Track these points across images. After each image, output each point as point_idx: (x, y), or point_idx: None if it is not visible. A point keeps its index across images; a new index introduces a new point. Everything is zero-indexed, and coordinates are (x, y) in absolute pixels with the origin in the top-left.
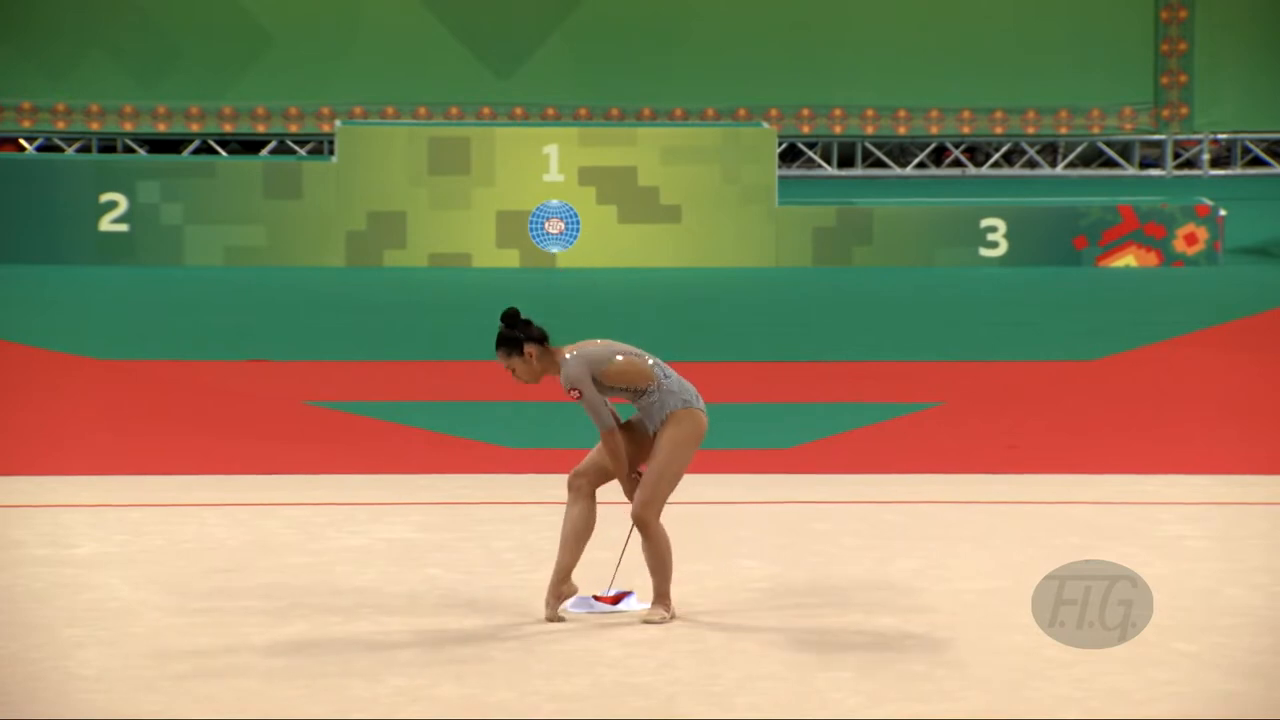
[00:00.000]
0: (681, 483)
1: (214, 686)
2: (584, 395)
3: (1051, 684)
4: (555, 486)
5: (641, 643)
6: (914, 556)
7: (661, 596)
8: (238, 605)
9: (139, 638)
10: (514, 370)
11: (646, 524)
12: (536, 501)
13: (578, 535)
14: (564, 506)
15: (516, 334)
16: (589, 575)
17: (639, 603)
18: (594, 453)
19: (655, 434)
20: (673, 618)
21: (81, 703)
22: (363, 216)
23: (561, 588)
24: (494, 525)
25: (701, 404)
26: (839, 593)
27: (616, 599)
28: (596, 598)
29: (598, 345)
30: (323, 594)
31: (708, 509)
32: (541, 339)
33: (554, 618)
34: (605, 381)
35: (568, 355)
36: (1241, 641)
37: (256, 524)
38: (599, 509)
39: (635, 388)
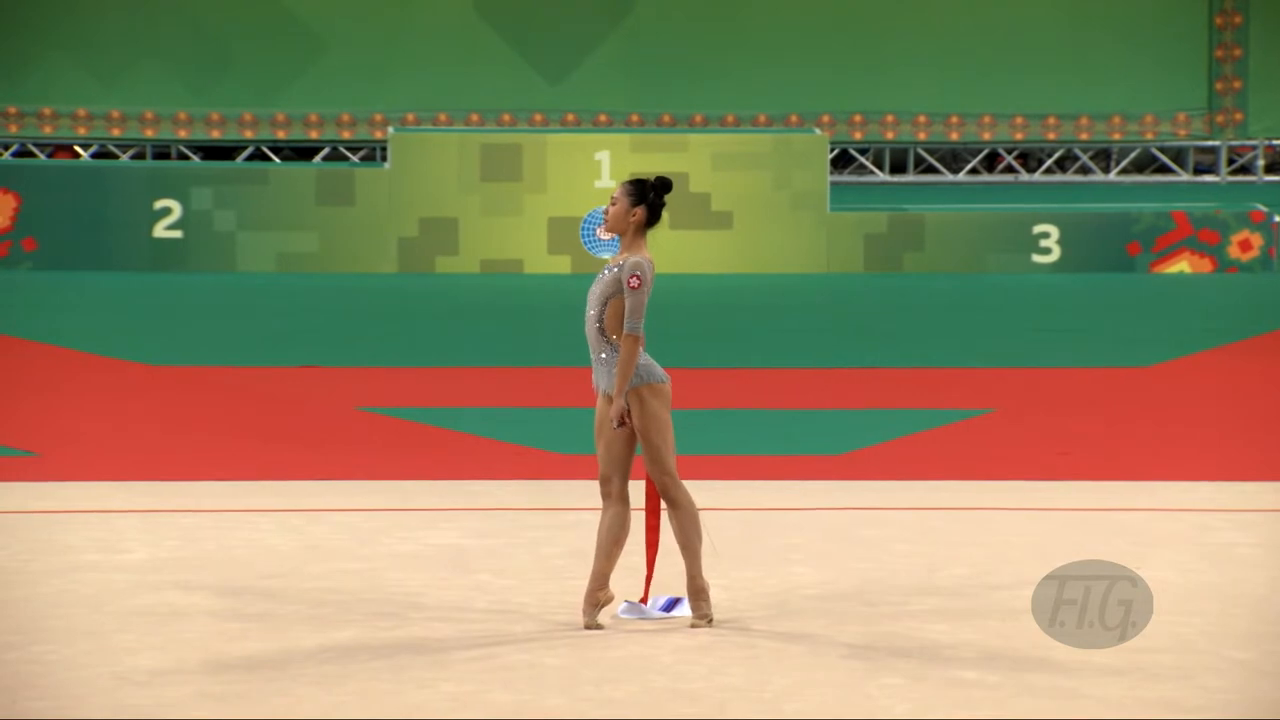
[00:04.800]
0: (732, 489)
1: (265, 691)
2: (642, 286)
3: (1104, 691)
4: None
5: (692, 649)
6: (965, 563)
7: (694, 581)
8: (289, 610)
9: (190, 643)
10: (611, 205)
11: (670, 494)
12: (587, 508)
13: (615, 540)
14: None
15: (647, 194)
16: (636, 582)
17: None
18: (602, 450)
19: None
20: (711, 618)
21: (133, 708)
22: (415, 223)
23: (598, 594)
24: (544, 531)
25: (667, 379)
26: (890, 599)
27: (669, 605)
28: (644, 603)
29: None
30: (373, 600)
31: (760, 515)
32: (650, 221)
33: (592, 624)
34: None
35: (648, 255)
36: None
37: (308, 530)
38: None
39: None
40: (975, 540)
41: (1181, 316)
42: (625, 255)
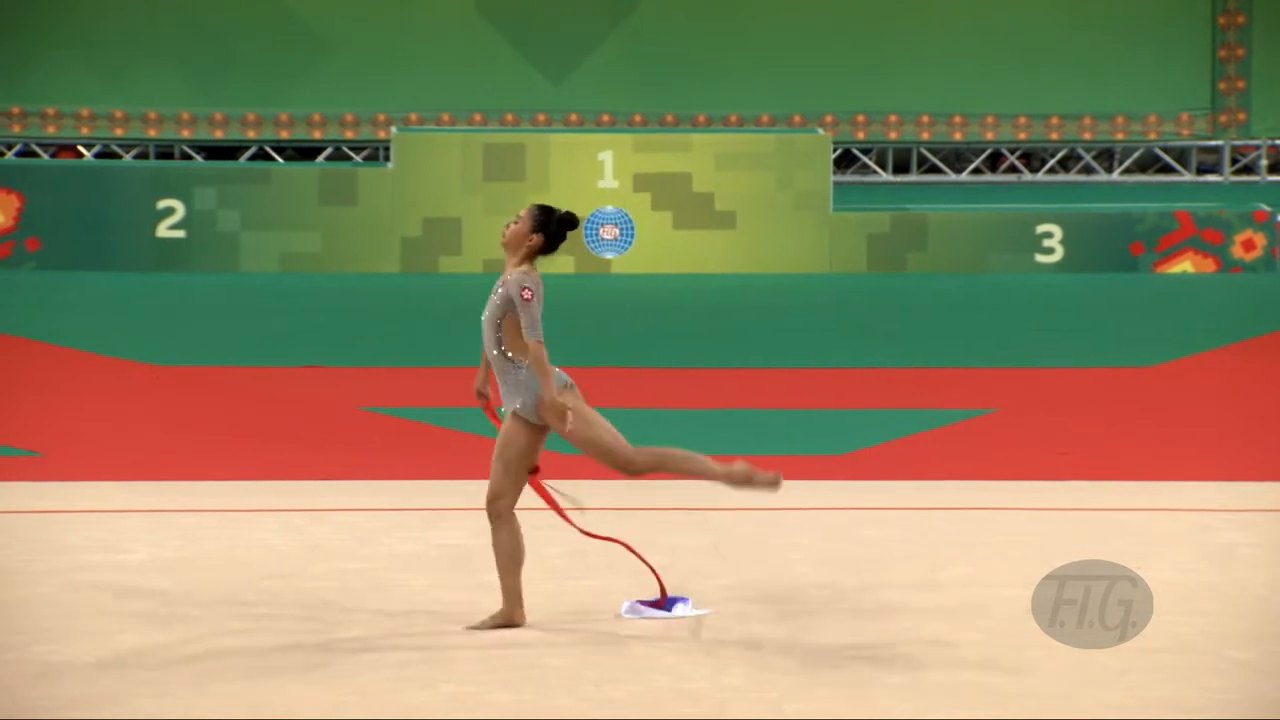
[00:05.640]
0: (733, 488)
1: (267, 691)
2: (534, 298)
3: (1104, 691)
4: (608, 492)
5: (694, 649)
6: (967, 563)
7: (731, 475)
8: (291, 610)
9: (192, 642)
10: (514, 222)
11: (640, 463)
12: (587, 508)
13: (516, 558)
14: (612, 513)
15: (549, 224)
16: (639, 583)
17: (693, 608)
18: (499, 470)
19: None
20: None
21: (134, 707)
22: (418, 223)
23: (516, 613)
24: (545, 531)
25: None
26: (891, 599)
27: (670, 605)
28: (645, 603)
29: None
30: (376, 600)
31: (762, 515)
32: (545, 248)
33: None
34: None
35: (534, 273)
36: None
37: (309, 529)
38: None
39: (522, 352)
40: (975, 540)
41: (1184, 316)
42: (510, 272)
